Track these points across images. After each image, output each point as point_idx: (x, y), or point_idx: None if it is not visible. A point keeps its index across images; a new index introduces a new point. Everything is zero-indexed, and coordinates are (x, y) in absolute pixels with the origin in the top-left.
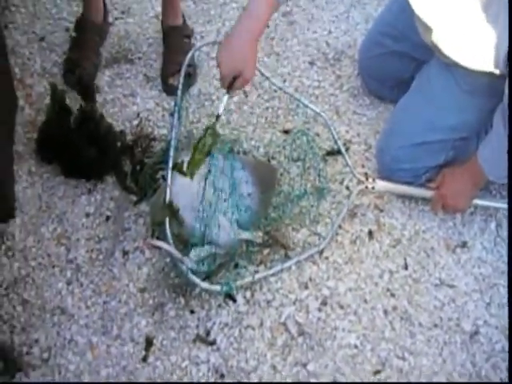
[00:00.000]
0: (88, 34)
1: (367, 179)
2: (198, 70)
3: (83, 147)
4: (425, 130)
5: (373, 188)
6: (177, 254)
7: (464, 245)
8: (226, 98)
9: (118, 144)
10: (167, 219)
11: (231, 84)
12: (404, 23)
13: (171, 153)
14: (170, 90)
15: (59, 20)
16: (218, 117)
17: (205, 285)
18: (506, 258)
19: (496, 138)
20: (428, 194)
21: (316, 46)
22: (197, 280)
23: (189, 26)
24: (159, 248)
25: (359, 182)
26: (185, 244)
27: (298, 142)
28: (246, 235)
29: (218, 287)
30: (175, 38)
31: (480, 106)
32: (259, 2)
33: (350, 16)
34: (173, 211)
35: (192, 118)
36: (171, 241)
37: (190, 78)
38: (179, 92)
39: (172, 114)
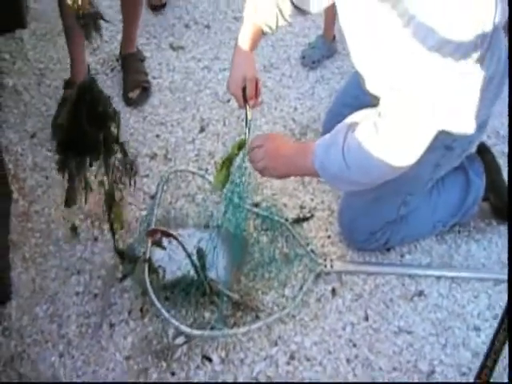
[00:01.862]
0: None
1: (325, 260)
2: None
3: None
4: (375, 189)
5: (331, 267)
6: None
7: (421, 293)
8: (248, 113)
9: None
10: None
11: (244, 97)
12: (361, 92)
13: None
14: (129, 102)
15: (48, 117)
16: (248, 130)
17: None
18: (460, 302)
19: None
20: (383, 269)
21: (283, 123)
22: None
23: (142, 52)
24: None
25: (318, 264)
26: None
27: (267, 212)
28: (225, 290)
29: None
30: (132, 62)
31: (427, 161)
32: (244, 38)
33: (314, 92)
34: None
35: (170, 199)
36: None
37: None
38: (161, 179)
39: (153, 197)
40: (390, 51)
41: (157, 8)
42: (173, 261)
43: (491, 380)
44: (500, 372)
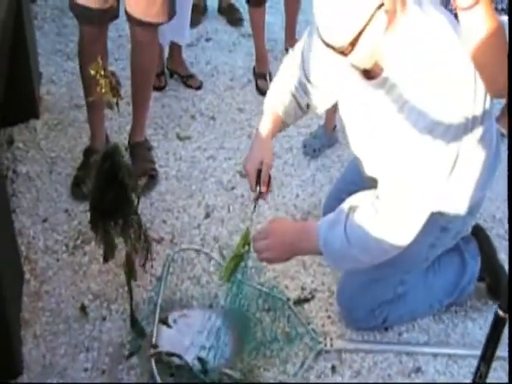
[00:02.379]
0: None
1: (325, 339)
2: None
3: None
4: (373, 268)
5: (331, 345)
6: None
7: (418, 370)
8: (257, 197)
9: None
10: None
11: (258, 180)
12: (359, 177)
13: (157, 311)
14: None
15: (59, 203)
16: (254, 207)
17: None
18: (457, 377)
19: (339, 241)
20: (381, 347)
21: (285, 209)
22: None
23: (149, 142)
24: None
25: (318, 342)
26: None
27: (269, 294)
28: (227, 370)
29: None
30: (140, 151)
31: (423, 241)
32: (265, 125)
33: (315, 180)
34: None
35: (176, 280)
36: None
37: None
38: (167, 259)
39: (159, 279)
40: (384, 136)
41: (157, 89)
42: (180, 341)
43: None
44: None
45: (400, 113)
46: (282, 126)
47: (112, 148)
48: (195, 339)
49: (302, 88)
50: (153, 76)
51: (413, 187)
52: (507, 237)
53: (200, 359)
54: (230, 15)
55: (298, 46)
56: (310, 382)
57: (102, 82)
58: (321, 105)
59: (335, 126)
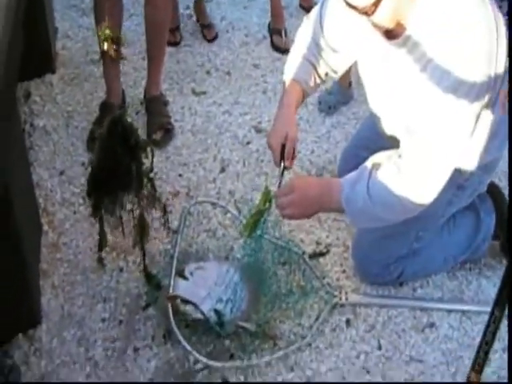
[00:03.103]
0: (109, 113)
1: (340, 293)
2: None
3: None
4: (388, 226)
5: (346, 299)
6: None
7: (432, 325)
8: (282, 171)
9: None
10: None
11: (282, 154)
12: (375, 134)
13: (174, 263)
14: (154, 142)
15: (76, 156)
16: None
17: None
18: (471, 334)
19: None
20: (395, 302)
21: (300, 164)
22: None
23: (165, 96)
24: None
25: (333, 296)
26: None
27: (285, 248)
28: (243, 323)
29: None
30: (156, 105)
31: (440, 199)
32: (289, 97)
33: (330, 136)
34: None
35: (192, 233)
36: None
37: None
38: (183, 211)
39: (176, 232)
40: (407, 94)
41: (172, 44)
42: (196, 292)
43: (491, 380)
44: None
45: (423, 71)
46: (303, 95)
47: (120, 113)
48: (211, 291)
49: (320, 55)
50: (167, 30)
51: (436, 145)
52: None
53: (216, 311)
54: None
55: (313, 14)
56: (325, 334)
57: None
58: (339, 68)
59: (350, 83)
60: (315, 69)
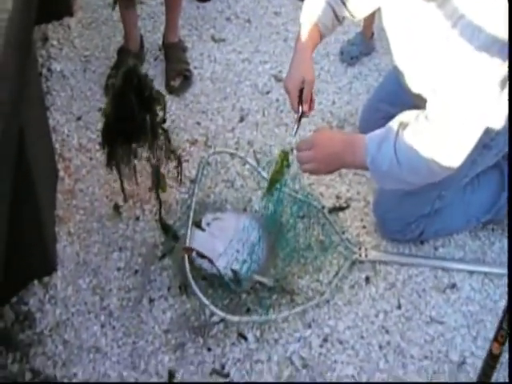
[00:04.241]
0: (126, 58)
1: (360, 249)
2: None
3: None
4: None
5: (366, 256)
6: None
7: (453, 286)
8: (299, 116)
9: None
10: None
11: (300, 99)
12: (399, 89)
13: (191, 213)
14: (171, 90)
15: (93, 101)
16: (296, 132)
17: (223, 314)
18: (493, 297)
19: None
20: (416, 261)
21: (321, 115)
22: (214, 309)
23: (184, 42)
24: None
25: (353, 252)
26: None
27: (304, 202)
28: (260, 278)
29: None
30: (175, 52)
31: (466, 158)
32: (304, 40)
33: (352, 87)
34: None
35: (210, 183)
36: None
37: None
38: (201, 162)
39: (193, 181)
40: (435, 51)
41: (202, 0)
42: (213, 244)
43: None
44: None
45: (454, 28)
46: (319, 38)
47: (134, 64)
48: (228, 247)
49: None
50: None
51: (465, 106)
52: None
53: (232, 270)
54: None
55: None
56: (344, 291)
57: None
58: (360, 12)
59: (373, 34)
60: (333, 11)
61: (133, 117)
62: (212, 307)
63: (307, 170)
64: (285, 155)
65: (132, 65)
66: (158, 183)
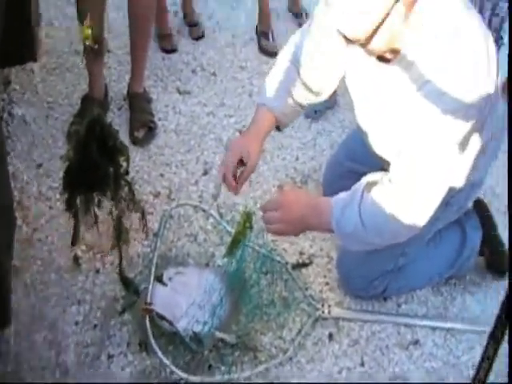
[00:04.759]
0: (90, 107)
1: (323, 306)
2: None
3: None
4: None
5: (329, 313)
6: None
7: (416, 342)
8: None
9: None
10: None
11: (235, 176)
12: (362, 147)
13: (153, 268)
14: (135, 141)
15: (55, 149)
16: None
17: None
18: (455, 352)
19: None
20: (379, 317)
21: (284, 171)
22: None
23: (148, 93)
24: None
25: (316, 309)
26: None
27: (268, 257)
28: (222, 335)
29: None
30: (139, 102)
31: None
32: (257, 125)
33: (316, 143)
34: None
35: (172, 237)
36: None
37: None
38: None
39: (155, 234)
40: (399, 113)
41: (167, 51)
42: (175, 300)
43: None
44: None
45: (419, 91)
46: (274, 125)
47: (99, 114)
48: (189, 308)
49: (302, 79)
50: (151, 24)
51: (430, 168)
52: (507, 211)
53: (194, 333)
54: None
55: (298, 33)
56: (307, 348)
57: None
58: (326, 90)
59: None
60: (292, 96)
61: (96, 166)
62: (172, 367)
63: (273, 231)
64: (247, 216)
65: (96, 114)
66: (120, 235)
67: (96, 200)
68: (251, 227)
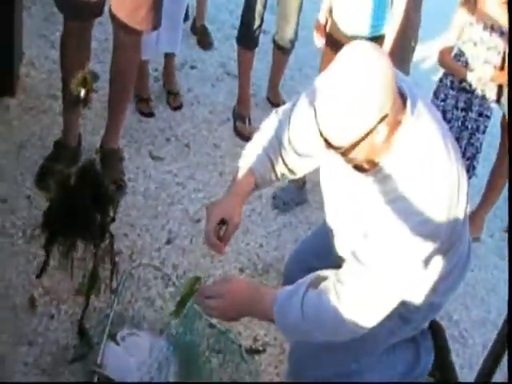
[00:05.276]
0: (63, 153)
1: None
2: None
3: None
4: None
5: None
6: None
7: None
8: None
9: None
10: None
11: (218, 236)
12: (327, 244)
13: (108, 326)
14: None
15: (22, 187)
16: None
17: None
18: None
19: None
20: None
21: (247, 255)
22: None
23: (122, 152)
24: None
25: None
26: None
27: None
28: None
29: None
30: (112, 159)
31: (383, 327)
32: (239, 186)
33: (281, 235)
34: None
35: (130, 297)
36: None
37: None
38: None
39: (113, 292)
40: (367, 220)
41: (145, 115)
42: (126, 361)
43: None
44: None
45: (389, 205)
46: (254, 187)
47: (92, 162)
48: (141, 364)
49: (281, 154)
50: (131, 83)
51: (385, 279)
52: (460, 340)
53: None
54: (202, 37)
55: (282, 111)
56: None
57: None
58: (298, 171)
59: (304, 184)
60: (272, 165)
61: (84, 212)
62: None
63: (213, 316)
64: (196, 280)
65: (90, 162)
66: (93, 285)
67: (75, 245)
68: (197, 289)
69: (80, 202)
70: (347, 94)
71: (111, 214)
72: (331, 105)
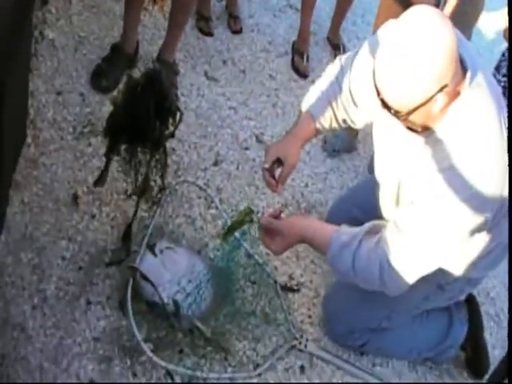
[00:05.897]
0: (119, 57)
1: (301, 337)
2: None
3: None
4: (364, 295)
5: (305, 346)
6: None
7: None
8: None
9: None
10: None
11: (273, 175)
12: (372, 198)
13: (148, 235)
14: None
15: (76, 84)
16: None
17: (151, 354)
18: None
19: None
20: (351, 370)
21: (292, 192)
22: (145, 348)
23: (177, 66)
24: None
25: (294, 337)
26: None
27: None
28: (200, 325)
29: (162, 363)
30: (167, 71)
31: (419, 290)
32: (300, 130)
33: (327, 178)
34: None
35: (171, 212)
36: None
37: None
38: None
39: (156, 203)
40: (415, 181)
41: (204, 33)
42: (161, 273)
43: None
44: None
45: (440, 173)
46: (315, 132)
47: (159, 71)
48: (176, 279)
49: (342, 102)
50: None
51: (427, 246)
52: (495, 319)
53: (175, 302)
54: None
55: (346, 60)
56: (278, 371)
57: None
58: (357, 122)
59: (357, 133)
60: (334, 112)
61: (144, 123)
62: (142, 344)
63: (270, 250)
64: (250, 211)
65: (157, 70)
66: (144, 192)
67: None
68: (251, 220)
69: (143, 110)
70: (410, 60)
71: (171, 128)
72: (391, 68)
